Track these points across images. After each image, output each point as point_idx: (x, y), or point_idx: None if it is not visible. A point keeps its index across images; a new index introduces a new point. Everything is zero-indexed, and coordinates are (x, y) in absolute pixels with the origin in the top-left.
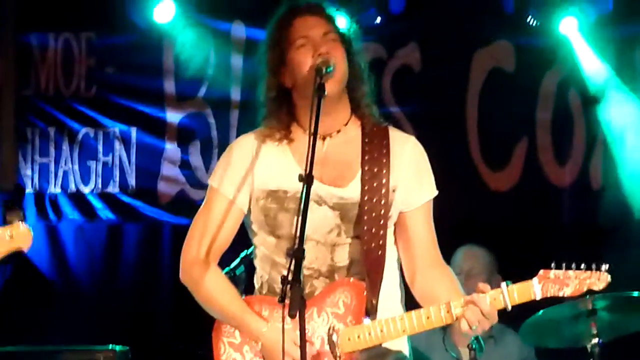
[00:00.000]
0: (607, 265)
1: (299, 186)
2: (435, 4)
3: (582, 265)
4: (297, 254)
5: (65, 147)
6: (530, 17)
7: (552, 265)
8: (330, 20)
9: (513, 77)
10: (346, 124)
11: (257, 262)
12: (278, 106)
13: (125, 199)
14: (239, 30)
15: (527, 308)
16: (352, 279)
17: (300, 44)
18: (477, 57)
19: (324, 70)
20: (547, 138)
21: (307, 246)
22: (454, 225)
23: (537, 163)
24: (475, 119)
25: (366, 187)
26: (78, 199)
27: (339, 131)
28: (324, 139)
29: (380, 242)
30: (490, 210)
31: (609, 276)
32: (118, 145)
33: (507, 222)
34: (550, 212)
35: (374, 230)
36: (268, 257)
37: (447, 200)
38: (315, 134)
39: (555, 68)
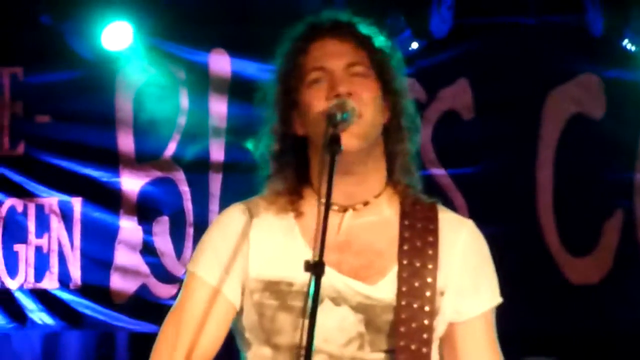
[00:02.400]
0: None
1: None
2: (492, 25)
3: None
4: None
5: None
6: (626, 40)
7: None
8: (363, 45)
9: (602, 126)
10: (378, 195)
11: None
12: (285, 164)
13: (67, 297)
14: (220, 61)
15: None
16: None
17: (313, 78)
18: (552, 99)
19: (337, 117)
20: None
21: None
22: (520, 335)
23: (636, 245)
24: (550, 184)
25: (404, 288)
26: (2, 297)
27: (366, 203)
28: (344, 211)
29: None
30: (570, 311)
31: None
32: (56, 223)
33: (594, 328)
34: None
35: (413, 347)
36: None
37: (511, 300)
38: (327, 203)
39: None
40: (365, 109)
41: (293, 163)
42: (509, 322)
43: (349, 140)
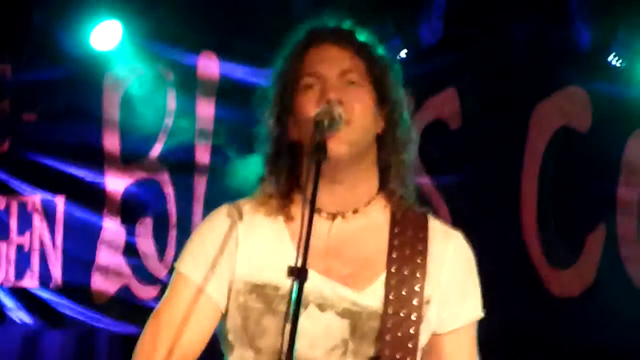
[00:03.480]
0: None
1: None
2: (483, 35)
3: None
4: None
5: None
6: (613, 55)
7: None
8: (361, 53)
9: (588, 140)
10: (368, 204)
11: None
12: (279, 168)
13: (47, 296)
14: (209, 64)
15: None
16: None
17: (306, 83)
18: (539, 111)
19: (325, 123)
20: (632, 225)
21: None
22: (503, 346)
23: (618, 259)
24: (534, 196)
25: (391, 295)
26: None
27: (355, 211)
28: (333, 218)
29: None
30: (553, 323)
31: None
32: (38, 222)
33: (577, 340)
34: (637, 326)
35: (398, 355)
36: None
37: (494, 312)
38: (312, 210)
39: None
40: (355, 117)
41: (286, 167)
42: (490, 333)
43: (336, 146)
